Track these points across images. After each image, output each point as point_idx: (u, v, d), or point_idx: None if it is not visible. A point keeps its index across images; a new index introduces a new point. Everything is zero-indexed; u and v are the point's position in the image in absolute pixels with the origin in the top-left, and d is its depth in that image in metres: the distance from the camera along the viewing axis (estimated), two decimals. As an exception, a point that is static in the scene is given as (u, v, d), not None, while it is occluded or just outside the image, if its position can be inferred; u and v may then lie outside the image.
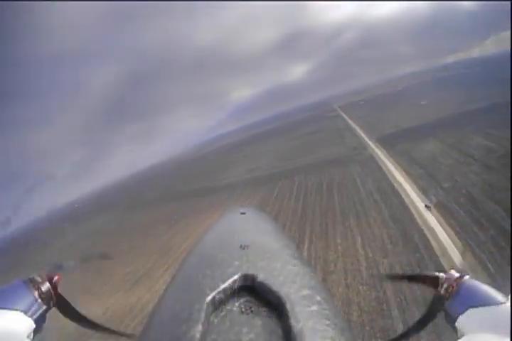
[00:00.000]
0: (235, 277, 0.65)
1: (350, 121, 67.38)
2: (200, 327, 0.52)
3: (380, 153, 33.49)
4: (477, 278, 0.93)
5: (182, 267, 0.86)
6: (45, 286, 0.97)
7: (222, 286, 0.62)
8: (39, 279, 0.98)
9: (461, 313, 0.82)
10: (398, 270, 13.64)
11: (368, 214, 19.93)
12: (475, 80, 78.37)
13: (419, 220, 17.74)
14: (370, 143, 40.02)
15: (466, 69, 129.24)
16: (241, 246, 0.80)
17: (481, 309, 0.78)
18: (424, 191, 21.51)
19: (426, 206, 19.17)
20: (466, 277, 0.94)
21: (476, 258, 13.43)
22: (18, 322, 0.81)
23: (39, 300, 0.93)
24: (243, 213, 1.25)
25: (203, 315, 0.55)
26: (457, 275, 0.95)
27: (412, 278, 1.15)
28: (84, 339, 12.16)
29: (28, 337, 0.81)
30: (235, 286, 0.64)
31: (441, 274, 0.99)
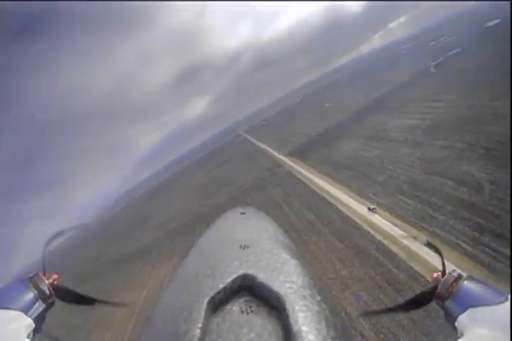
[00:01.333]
0: (235, 277, 0.75)
1: (258, 143, 71.40)
2: (200, 327, 0.60)
3: (298, 167, 33.46)
4: (477, 278, 1.05)
5: (182, 267, 0.99)
6: (45, 286, 1.15)
7: (222, 286, 0.72)
8: (39, 279, 1.16)
9: (461, 313, 0.94)
10: (366, 300, 12.01)
11: (306, 241, 18.19)
12: (368, 74, 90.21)
13: (367, 227, 16.76)
14: (285, 159, 40.39)
15: (358, 65, 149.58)
16: (241, 246, 0.92)
17: (480, 309, 0.91)
18: (361, 193, 21.00)
19: (369, 209, 18.50)
20: (466, 277, 1.08)
21: (445, 243, 12.58)
22: (18, 322, 0.95)
23: (39, 300, 1.09)
24: (243, 213, 1.42)
25: (202, 314, 0.64)
26: (457, 275, 1.10)
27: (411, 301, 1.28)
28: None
29: (28, 336, 0.94)
30: (235, 286, 0.74)
31: (441, 274, 1.15)
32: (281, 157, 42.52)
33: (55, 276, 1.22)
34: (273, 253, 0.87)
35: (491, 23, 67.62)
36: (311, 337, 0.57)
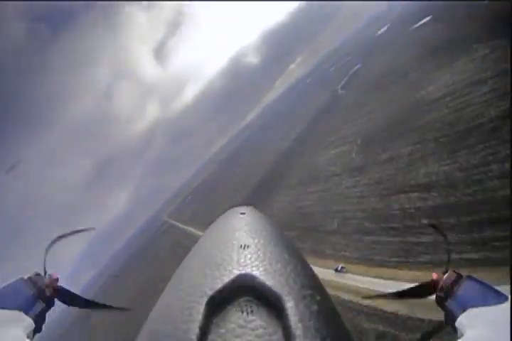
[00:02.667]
0: (235, 277, 0.81)
1: (186, 227, 75.60)
2: (199, 327, 0.66)
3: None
4: (477, 278, 1.11)
5: (182, 267, 1.07)
6: (45, 286, 1.22)
7: (222, 286, 0.78)
8: (39, 279, 1.22)
9: (461, 313, 1.00)
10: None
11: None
12: (279, 119, 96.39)
13: (343, 294, 14.56)
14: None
15: (267, 115, 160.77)
16: (241, 246, 0.99)
17: (480, 309, 0.98)
18: (317, 254, 18.99)
19: (337, 271, 17.03)
20: (466, 277, 1.15)
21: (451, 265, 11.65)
22: (18, 322, 1.01)
23: (39, 300, 1.15)
24: (243, 213, 1.47)
25: (202, 314, 0.70)
26: (457, 275, 1.18)
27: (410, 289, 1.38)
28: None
29: (28, 337, 0.98)
30: (235, 286, 0.79)
31: (441, 274, 1.22)
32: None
33: (55, 276, 1.28)
34: (273, 253, 0.92)
35: (380, 31, 77.78)
36: (310, 337, 0.60)
